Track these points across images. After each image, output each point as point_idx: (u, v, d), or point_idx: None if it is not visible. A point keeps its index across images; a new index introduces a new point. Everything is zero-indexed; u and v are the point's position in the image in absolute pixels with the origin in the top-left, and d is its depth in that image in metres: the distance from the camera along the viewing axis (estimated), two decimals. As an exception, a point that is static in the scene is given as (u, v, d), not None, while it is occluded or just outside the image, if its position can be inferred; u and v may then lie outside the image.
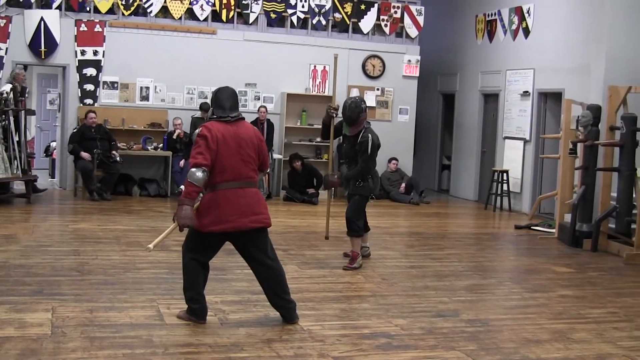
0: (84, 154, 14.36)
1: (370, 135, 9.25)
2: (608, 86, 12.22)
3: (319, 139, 16.67)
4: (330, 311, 7.38)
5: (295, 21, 16.86)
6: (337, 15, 17.15)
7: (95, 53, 15.59)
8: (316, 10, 16.93)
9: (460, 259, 10.71)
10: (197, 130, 6.49)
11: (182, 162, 15.18)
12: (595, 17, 13.44)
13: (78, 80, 15.57)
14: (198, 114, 15.62)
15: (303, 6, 16.85)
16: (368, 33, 17.43)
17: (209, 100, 15.66)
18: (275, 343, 6.21)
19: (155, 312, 6.90)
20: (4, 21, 15.05)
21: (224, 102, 6.63)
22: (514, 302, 8.32)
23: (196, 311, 6.65)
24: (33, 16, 15.19)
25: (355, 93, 16.91)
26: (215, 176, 6.41)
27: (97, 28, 15.56)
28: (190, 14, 16.22)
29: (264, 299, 7.08)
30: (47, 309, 6.84)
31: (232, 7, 16.41)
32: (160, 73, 16.01)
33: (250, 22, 16.60)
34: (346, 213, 9.52)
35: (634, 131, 11.45)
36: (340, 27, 17.25)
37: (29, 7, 15.24)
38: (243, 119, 6.73)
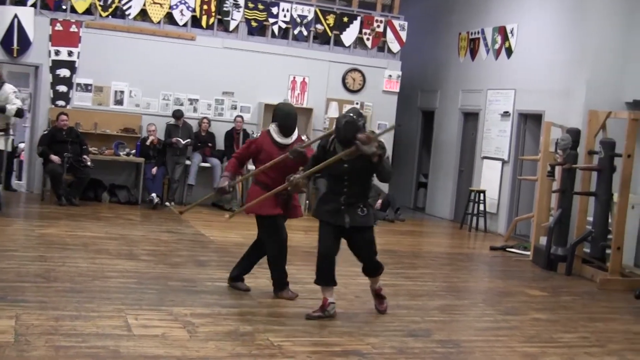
0: (54, 157, 14.29)
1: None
2: (588, 110, 12.36)
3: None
4: (302, 327, 7.40)
5: (276, 31, 16.90)
6: (319, 26, 17.21)
7: (69, 54, 15.57)
8: (298, 20, 17.00)
9: (434, 278, 10.78)
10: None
11: (154, 170, 15.17)
12: (579, 41, 13.61)
13: (51, 80, 15.52)
14: (172, 121, 15.63)
15: (285, 16, 16.91)
16: (349, 46, 17.50)
17: (180, 107, 15.80)
18: (245, 358, 6.23)
19: (123, 323, 6.89)
20: (-23, 17, 15.01)
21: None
22: (486, 324, 8.39)
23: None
24: (6, 13, 15.10)
25: (334, 107, 16.96)
26: None
27: (73, 28, 15.53)
28: (169, 18, 16.23)
29: (235, 313, 7.13)
30: (11, 316, 6.80)
31: (213, 14, 16.43)
32: (136, 77, 15.99)
33: (231, 29, 16.63)
34: (370, 255, 7.95)
35: (612, 156, 11.57)
36: (322, 39, 17.31)
37: (3, 3, 15.14)
38: None
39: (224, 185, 8.30)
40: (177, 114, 15.58)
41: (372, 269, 8.00)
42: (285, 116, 8.22)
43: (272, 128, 8.26)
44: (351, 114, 7.44)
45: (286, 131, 8.20)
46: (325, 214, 7.69)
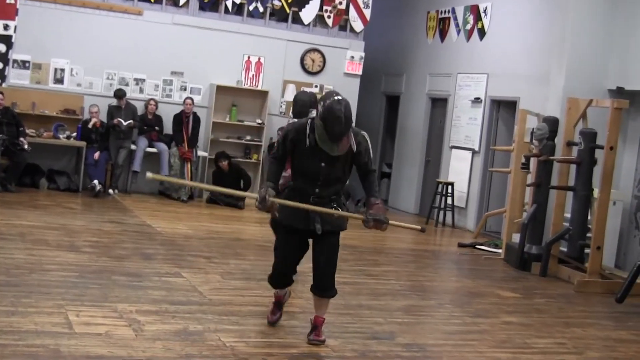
0: (-13, 140, 14.19)
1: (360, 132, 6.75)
2: (567, 98, 12.38)
3: (248, 137, 16.74)
4: (256, 327, 7.40)
5: (230, 6, 16.80)
6: (276, 2, 17.14)
7: (5, 27, 15.38)
8: (254, -5, 16.96)
9: (398, 277, 10.83)
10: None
11: (97, 154, 15.07)
12: (558, 23, 13.55)
13: (-16, 56, 15.39)
14: (114, 102, 15.51)
15: (240, -10, 16.87)
16: (309, 24, 17.46)
17: (125, 87, 15.69)
18: (195, 359, 6.23)
19: (64, 320, 6.85)
20: None
21: None
22: (454, 326, 8.44)
23: None
24: None
25: (291, 89, 16.93)
26: None
27: (10, 0, 15.37)
28: (115, -10, 16.13)
29: (184, 310, 7.11)
30: (-59, 311, 6.75)
31: (162, -14, 16.34)
32: (78, 54, 15.83)
33: (181, 4, 16.50)
34: (329, 264, 6.83)
35: (593, 148, 11.61)
36: (279, 16, 17.24)
37: None
38: None
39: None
40: (119, 94, 15.45)
41: (324, 284, 6.88)
42: (293, 103, 8.69)
43: None
44: (339, 99, 6.34)
45: (297, 118, 8.38)
46: (290, 216, 6.76)
